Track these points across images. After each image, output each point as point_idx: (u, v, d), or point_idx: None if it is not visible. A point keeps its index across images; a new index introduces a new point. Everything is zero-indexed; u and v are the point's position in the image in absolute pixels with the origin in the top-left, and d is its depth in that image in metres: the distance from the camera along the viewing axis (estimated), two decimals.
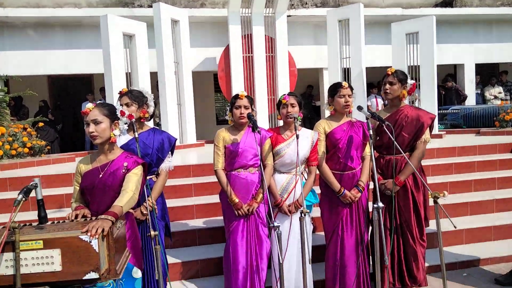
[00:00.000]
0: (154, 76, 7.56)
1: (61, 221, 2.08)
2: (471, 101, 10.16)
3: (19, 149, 6.06)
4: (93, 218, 2.08)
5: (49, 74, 9.29)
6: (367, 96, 9.23)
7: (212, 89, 12.10)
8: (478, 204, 4.58)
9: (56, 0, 8.45)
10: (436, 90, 7.88)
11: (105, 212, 2.01)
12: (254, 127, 2.78)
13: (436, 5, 10.32)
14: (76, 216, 2.14)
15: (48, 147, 6.87)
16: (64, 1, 8.49)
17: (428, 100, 7.75)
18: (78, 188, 2.37)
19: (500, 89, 10.67)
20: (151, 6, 7.76)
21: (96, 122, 2.23)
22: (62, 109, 10.28)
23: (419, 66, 7.90)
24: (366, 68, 7.85)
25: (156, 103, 3.25)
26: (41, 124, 7.01)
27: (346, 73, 8.10)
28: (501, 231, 4.21)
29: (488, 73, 11.75)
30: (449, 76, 10.04)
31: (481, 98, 10.87)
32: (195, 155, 6.70)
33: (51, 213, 4.16)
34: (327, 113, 3.25)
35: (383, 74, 3.22)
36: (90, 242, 1.79)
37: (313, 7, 9.44)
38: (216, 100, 12.77)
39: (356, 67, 7.77)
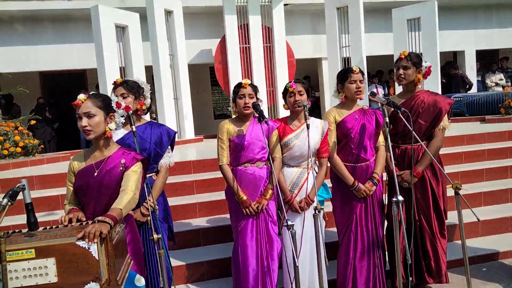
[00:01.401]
0: (148, 70, 7.31)
1: (53, 227, 1.87)
2: (473, 88, 10.00)
3: (11, 149, 5.81)
4: (89, 222, 1.87)
5: (40, 70, 9.01)
6: (368, 86, 9.04)
7: (208, 82, 11.85)
8: (491, 194, 4.40)
9: None
10: (439, 78, 7.69)
11: (103, 215, 1.80)
12: (261, 117, 2.57)
13: None
14: (70, 220, 1.93)
15: (42, 145, 6.62)
16: None
17: (431, 88, 7.51)
18: (71, 188, 2.15)
19: (501, 75, 10.47)
20: None
21: (89, 115, 2.00)
22: (58, 108, 9.97)
23: (421, 53, 7.69)
24: (366, 57, 7.64)
25: (152, 98, 3.06)
26: (33, 122, 6.75)
27: (346, 62, 7.89)
28: None
29: (488, 60, 11.56)
30: (454, 63, 9.86)
31: (482, 85, 10.68)
32: (194, 150, 6.48)
33: (45, 216, 3.96)
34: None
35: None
36: (89, 248, 1.60)
37: None
38: (213, 93, 12.50)
39: (356, 56, 7.55)
